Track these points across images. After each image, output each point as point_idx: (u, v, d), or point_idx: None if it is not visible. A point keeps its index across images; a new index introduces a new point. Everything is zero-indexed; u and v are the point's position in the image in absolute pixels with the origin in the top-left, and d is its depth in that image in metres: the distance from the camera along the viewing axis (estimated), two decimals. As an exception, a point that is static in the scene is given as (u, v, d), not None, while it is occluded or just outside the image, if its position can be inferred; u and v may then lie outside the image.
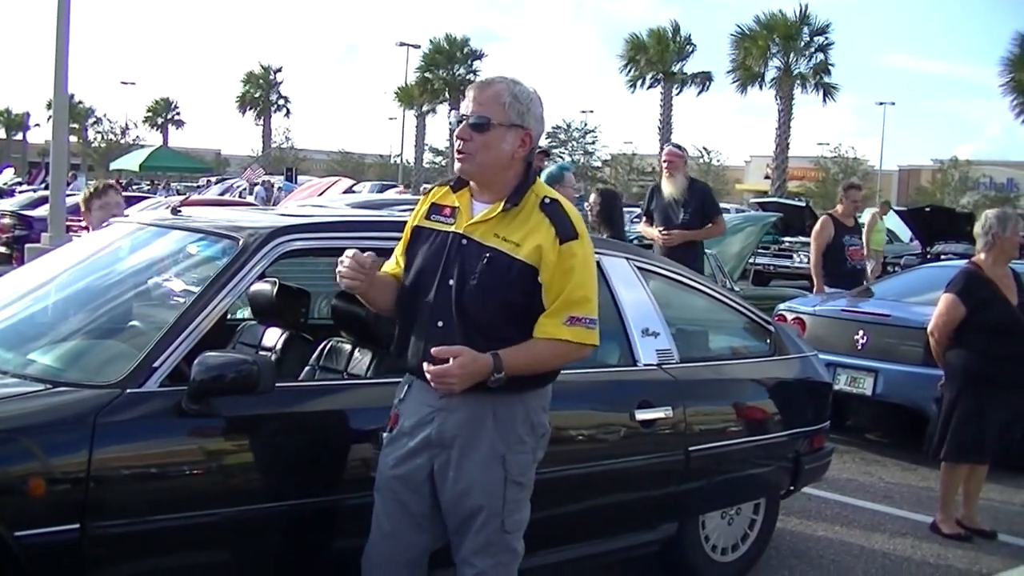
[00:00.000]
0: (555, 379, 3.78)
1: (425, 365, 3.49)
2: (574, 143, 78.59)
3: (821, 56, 46.54)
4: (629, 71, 52.34)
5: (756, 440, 5.55)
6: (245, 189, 32.93)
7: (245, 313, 5.54)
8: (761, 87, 47.21)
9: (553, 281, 3.54)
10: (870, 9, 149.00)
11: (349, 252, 3.60)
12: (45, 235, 14.91)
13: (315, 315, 5.72)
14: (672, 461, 5.06)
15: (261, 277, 4.39)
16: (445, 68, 63.18)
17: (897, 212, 28.12)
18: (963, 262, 7.49)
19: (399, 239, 3.95)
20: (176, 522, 3.67)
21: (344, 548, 4.00)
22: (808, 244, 23.37)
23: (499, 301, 3.55)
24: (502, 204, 3.60)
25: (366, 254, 3.58)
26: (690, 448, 5.11)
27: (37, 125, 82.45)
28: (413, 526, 3.69)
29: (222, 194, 33.77)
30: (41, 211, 19.44)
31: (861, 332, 8.91)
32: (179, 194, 35.26)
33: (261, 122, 76.10)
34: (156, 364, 3.71)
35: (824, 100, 47.05)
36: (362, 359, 4.61)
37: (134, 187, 45.43)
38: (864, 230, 19.63)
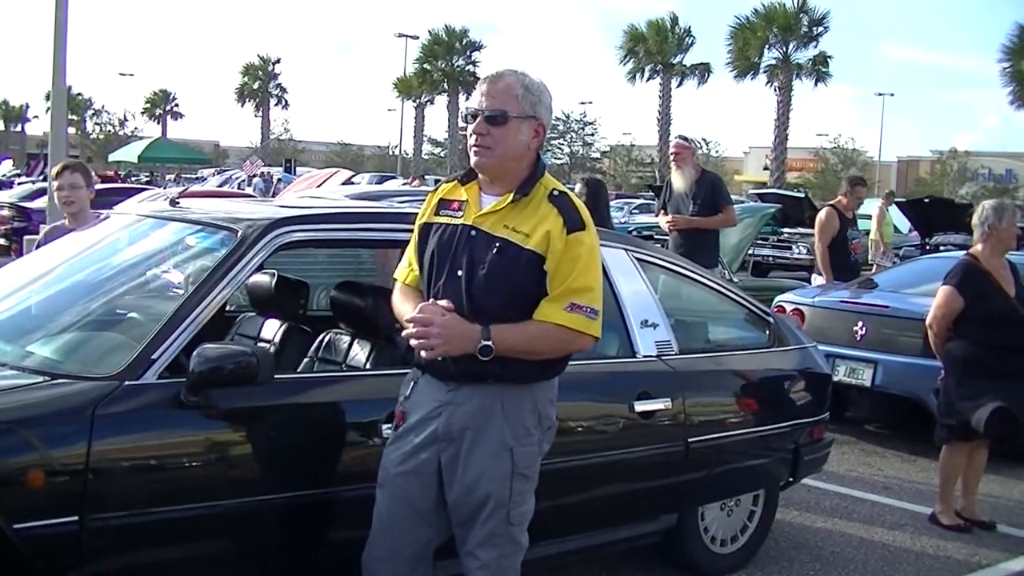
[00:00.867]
0: (562, 371, 3.76)
1: (407, 320, 3.51)
2: (573, 134, 78.66)
3: (819, 44, 46.60)
4: (628, 62, 52.32)
5: (755, 431, 5.54)
6: (244, 181, 32.94)
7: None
8: (755, 77, 47.21)
9: (558, 268, 3.55)
10: None
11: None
12: (43, 227, 14.90)
13: (314, 307, 5.71)
14: (671, 452, 5.06)
15: (260, 269, 4.38)
16: (444, 59, 63.16)
17: (896, 203, 28.12)
18: (962, 253, 7.48)
19: (398, 230, 3.94)
20: (175, 514, 3.67)
21: (344, 539, 4.01)
22: (807, 235, 23.44)
23: (509, 291, 3.55)
24: (511, 195, 3.60)
25: (443, 302, 3.54)
26: (689, 439, 5.10)
27: (36, 117, 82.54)
28: (418, 521, 3.68)
29: (221, 186, 33.74)
30: (39, 203, 19.41)
31: (860, 323, 8.90)
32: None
33: (260, 113, 76.10)
34: (155, 356, 3.70)
35: (815, 84, 47.09)
36: (361, 351, 4.61)
37: (132, 178, 45.43)
38: (873, 222, 19.63)
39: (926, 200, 26.47)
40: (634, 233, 9.26)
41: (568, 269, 3.55)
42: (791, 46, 46.59)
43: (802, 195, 28.69)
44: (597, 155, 78.78)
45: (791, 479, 5.95)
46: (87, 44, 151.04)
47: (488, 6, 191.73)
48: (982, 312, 6.57)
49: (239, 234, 4.14)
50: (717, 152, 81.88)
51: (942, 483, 6.84)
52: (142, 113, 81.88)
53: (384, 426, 3.98)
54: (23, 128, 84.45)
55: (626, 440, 4.91)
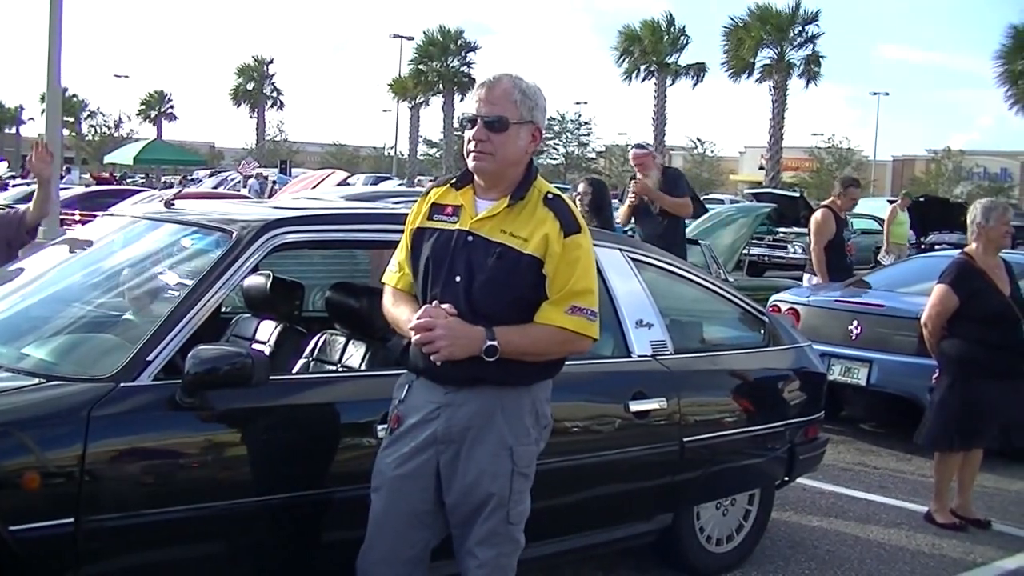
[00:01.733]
0: (559, 372, 3.78)
1: (411, 326, 3.51)
2: (568, 135, 78.64)
3: (814, 45, 46.62)
4: (623, 63, 52.29)
5: (751, 431, 5.55)
6: (239, 182, 32.92)
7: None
8: (750, 76, 47.23)
9: (558, 272, 3.57)
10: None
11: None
12: (40, 229, 14.89)
13: (309, 308, 5.71)
14: (667, 452, 5.07)
15: (255, 270, 4.38)
16: (439, 60, 63.07)
17: (890, 202, 28.16)
18: (956, 252, 7.49)
19: (392, 231, 3.93)
20: (171, 516, 3.67)
21: (339, 541, 4.01)
22: (802, 235, 23.44)
23: (510, 295, 3.57)
24: (507, 200, 3.61)
25: (446, 306, 3.55)
26: (685, 439, 5.11)
27: (31, 119, 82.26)
28: (416, 524, 3.69)
29: (216, 187, 33.73)
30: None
31: (855, 322, 8.91)
32: (171, 187, 35.18)
33: (255, 115, 76.02)
34: (150, 358, 3.71)
35: (807, 84, 47.13)
36: (356, 352, 4.61)
37: (128, 180, 45.41)
38: (885, 223, 19.62)
39: (921, 199, 26.50)
40: (630, 233, 9.22)
41: (568, 272, 3.57)
42: (785, 46, 46.59)
43: (797, 195, 28.74)
44: (593, 155, 78.74)
45: (786, 478, 5.96)
46: (82, 46, 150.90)
47: (481, 7, 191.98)
48: (976, 310, 6.58)
49: (234, 235, 4.14)
50: (712, 152, 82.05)
51: (937, 481, 6.85)
52: (137, 115, 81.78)
53: (379, 427, 3.98)
54: (18, 130, 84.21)
55: (621, 440, 4.91)
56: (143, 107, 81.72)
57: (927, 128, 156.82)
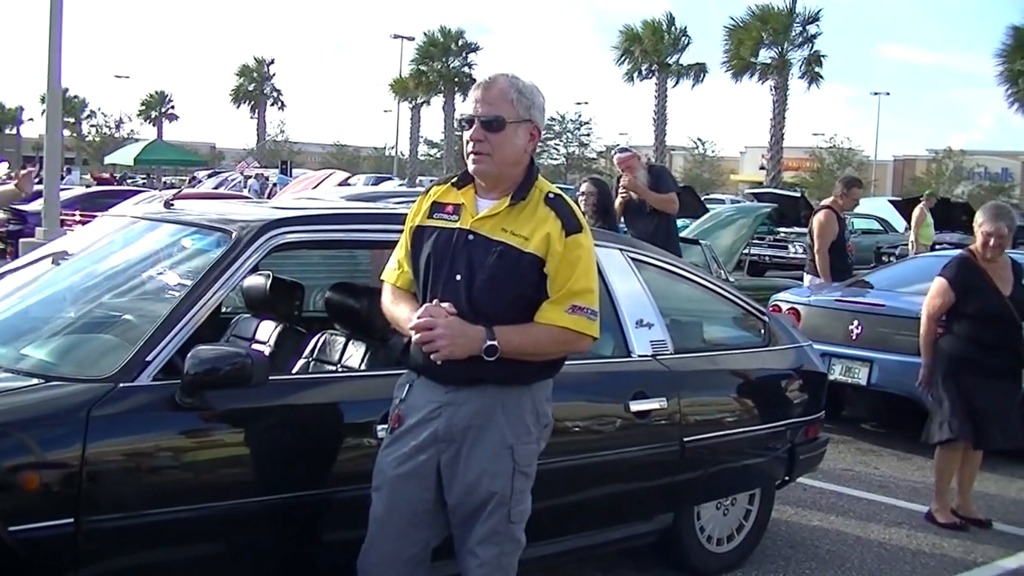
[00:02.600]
0: (560, 370, 3.77)
1: (411, 325, 3.51)
2: (569, 135, 78.66)
3: (813, 45, 46.61)
4: (624, 63, 52.27)
5: (751, 430, 5.55)
6: (240, 182, 32.90)
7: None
8: (752, 76, 47.21)
9: (559, 271, 3.57)
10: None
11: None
12: (39, 229, 14.91)
13: (309, 308, 5.71)
14: (667, 452, 5.07)
15: (255, 270, 4.38)
16: (440, 60, 63.08)
17: (892, 202, 28.15)
18: (958, 252, 7.48)
19: (393, 231, 3.92)
20: (170, 516, 3.67)
21: (339, 541, 4.00)
22: (803, 234, 23.42)
23: (511, 295, 3.57)
24: (508, 199, 3.61)
25: (446, 305, 3.55)
26: (685, 439, 5.11)
27: (31, 119, 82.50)
28: (417, 523, 3.68)
29: (216, 187, 33.71)
30: (35, 205, 19.36)
31: (856, 322, 8.91)
32: (173, 187, 35.17)
33: (255, 115, 76.02)
34: (149, 358, 3.71)
35: (808, 87, 47.17)
36: (356, 352, 4.61)
37: (128, 181, 45.39)
38: (912, 224, 19.59)
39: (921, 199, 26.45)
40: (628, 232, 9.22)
41: (568, 272, 3.57)
42: (786, 45, 46.58)
43: (798, 194, 28.70)
44: (593, 156, 78.72)
45: (787, 478, 5.95)
46: (82, 46, 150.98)
47: (482, 7, 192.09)
48: (972, 308, 6.58)
49: (234, 235, 4.14)
50: (713, 152, 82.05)
51: (937, 481, 6.85)
52: (138, 115, 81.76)
53: (379, 427, 3.98)
54: (18, 131, 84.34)
55: (622, 440, 4.91)
56: (144, 107, 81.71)
57: (928, 128, 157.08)
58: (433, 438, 3.63)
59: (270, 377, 3.77)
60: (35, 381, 3.67)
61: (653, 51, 51.14)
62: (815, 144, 72.47)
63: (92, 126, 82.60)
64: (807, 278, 10.88)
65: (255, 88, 75.16)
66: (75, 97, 77.37)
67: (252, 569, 4.01)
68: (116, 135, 78.88)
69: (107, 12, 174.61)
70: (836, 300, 9.37)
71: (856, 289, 9.78)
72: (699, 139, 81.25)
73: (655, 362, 5.08)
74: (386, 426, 3.85)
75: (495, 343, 3.49)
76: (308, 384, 4.37)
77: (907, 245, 23.43)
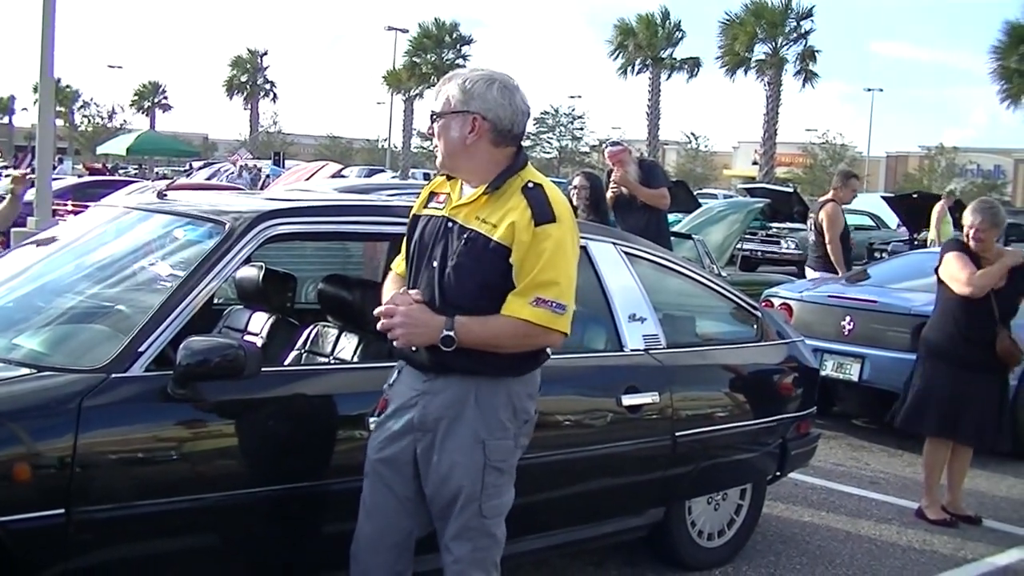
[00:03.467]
0: (537, 366, 3.74)
1: (376, 312, 3.58)
2: (562, 128, 78.64)
3: (807, 41, 46.68)
4: (618, 57, 52.29)
5: (743, 426, 5.55)
6: (233, 173, 32.82)
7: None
8: (747, 72, 47.29)
9: (525, 261, 3.52)
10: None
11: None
12: (31, 219, 14.86)
13: (302, 300, 5.70)
14: (659, 446, 5.07)
15: (247, 261, 4.37)
16: (434, 52, 63.05)
17: (884, 198, 28.16)
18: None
19: (385, 223, 3.92)
20: (162, 507, 3.66)
21: (331, 533, 4.01)
22: (796, 230, 23.47)
23: (476, 283, 3.55)
24: (483, 188, 3.61)
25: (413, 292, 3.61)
26: (677, 433, 5.11)
27: (24, 109, 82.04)
28: (398, 509, 3.70)
29: (209, 179, 33.63)
30: (27, 195, 19.30)
31: (848, 318, 8.92)
32: (166, 178, 35.15)
33: (249, 106, 75.93)
34: (141, 349, 3.70)
35: (803, 85, 47.26)
36: (348, 344, 4.61)
37: (120, 171, 45.28)
38: (933, 222, 19.63)
39: (914, 196, 26.49)
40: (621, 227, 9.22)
41: (533, 262, 3.52)
42: (780, 41, 46.62)
43: (791, 190, 28.71)
44: (586, 149, 78.72)
45: (778, 473, 5.96)
46: (75, 36, 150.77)
47: (475, 0, 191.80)
48: (955, 297, 6.59)
49: (227, 227, 4.13)
50: (706, 146, 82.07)
51: (927, 477, 6.87)
52: (130, 105, 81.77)
53: (371, 419, 3.98)
54: (10, 120, 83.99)
55: (613, 434, 4.91)
56: (136, 98, 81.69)
57: (921, 124, 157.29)
58: (410, 426, 3.66)
59: (262, 369, 3.77)
60: (27, 371, 3.65)
61: (647, 45, 51.20)
62: (808, 140, 72.57)
63: (85, 116, 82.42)
64: (809, 272, 10.95)
65: (248, 79, 75.08)
66: (68, 87, 77.19)
67: (243, 560, 4.00)
68: (109, 125, 78.73)
69: (100, 1, 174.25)
70: (829, 296, 9.38)
71: (849, 285, 9.77)
72: (692, 134, 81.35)
73: (647, 356, 5.08)
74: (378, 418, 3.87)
75: (451, 334, 3.48)
76: (300, 376, 4.37)
77: (902, 242, 23.49)
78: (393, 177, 37.92)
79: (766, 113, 47.22)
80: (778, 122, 47.38)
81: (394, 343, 3.58)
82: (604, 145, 9.97)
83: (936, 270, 6.86)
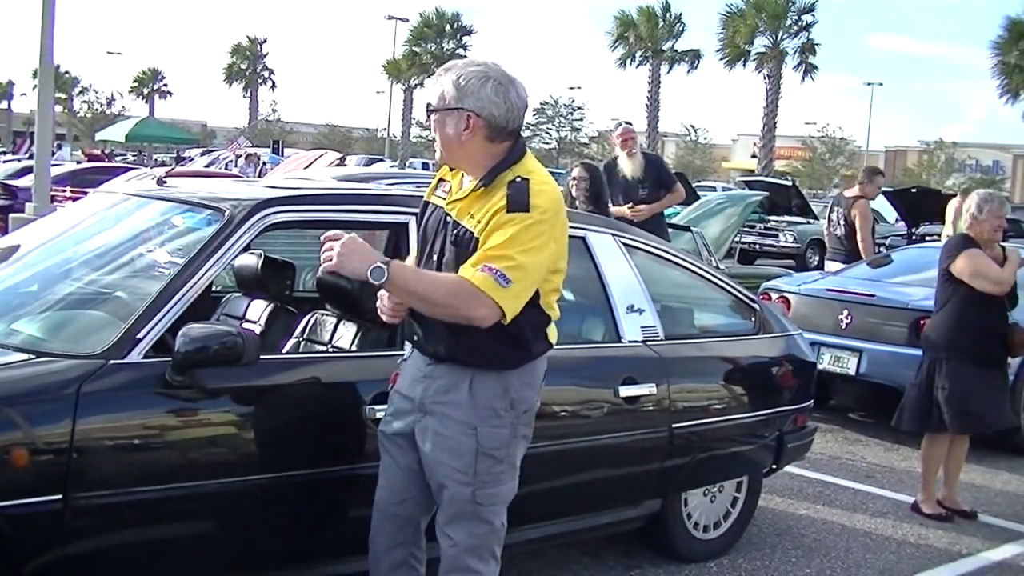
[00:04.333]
0: (533, 357, 3.71)
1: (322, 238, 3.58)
2: (561, 119, 78.56)
3: (808, 34, 46.63)
4: (618, 48, 52.21)
5: (739, 418, 5.56)
6: (231, 161, 32.80)
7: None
8: (745, 63, 47.23)
9: (485, 238, 3.49)
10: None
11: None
12: (30, 205, 14.87)
13: (300, 288, 5.70)
14: (656, 438, 5.07)
15: (246, 249, 4.37)
16: (434, 42, 62.97)
17: (883, 193, 28.13)
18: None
19: (384, 211, 3.92)
20: (159, 494, 3.66)
21: (327, 519, 4.02)
22: (794, 223, 23.47)
23: None
24: (475, 184, 3.61)
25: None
26: (674, 425, 5.11)
27: (23, 94, 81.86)
28: (404, 479, 3.77)
29: (208, 166, 33.62)
30: (26, 181, 19.32)
31: (845, 312, 8.93)
32: (165, 165, 35.11)
33: (248, 94, 75.85)
34: (140, 335, 3.70)
35: (803, 78, 47.22)
36: (346, 332, 4.61)
37: (119, 158, 45.23)
38: (949, 218, 19.68)
39: (913, 190, 26.48)
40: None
41: (494, 240, 3.46)
42: (781, 34, 46.56)
43: (789, 183, 28.73)
44: (586, 140, 78.64)
45: (774, 466, 5.97)
46: (75, 22, 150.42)
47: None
48: (965, 290, 6.57)
49: (226, 214, 4.12)
50: (705, 139, 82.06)
51: (924, 471, 6.88)
52: (130, 92, 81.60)
53: (368, 407, 4.00)
54: (9, 106, 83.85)
55: (610, 425, 4.92)
56: (136, 84, 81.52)
57: (920, 119, 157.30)
58: (411, 406, 3.72)
59: (261, 356, 3.77)
60: (25, 356, 3.66)
61: (648, 37, 51.10)
62: (807, 133, 72.58)
63: (84, 102, 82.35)
64: (828, 264, 11.18)
65: (248, 67, 75.00)
66: (67, 73, 77.09)
67: (240, 548, 4.00)
68: (108, 112, 78.65)
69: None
70: (826, 289, 9.38)
71: (847, 278, 9.75)
72: (691, 126, 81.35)
73: (645, 348, 5.09)
74: (376, 407, 3.96)
75: (382, 267, 3.42)
76: (299, 363, 4.37)
77: (901, 236, 23.50)
78: (392, 166, 37.89)
79: (765, 106, 47.14)
80: (777, 115, 47.32)
81: (324, 265, 3.53)
82: (614, 127, 9.98)
83: (946, 268, 6.74)
